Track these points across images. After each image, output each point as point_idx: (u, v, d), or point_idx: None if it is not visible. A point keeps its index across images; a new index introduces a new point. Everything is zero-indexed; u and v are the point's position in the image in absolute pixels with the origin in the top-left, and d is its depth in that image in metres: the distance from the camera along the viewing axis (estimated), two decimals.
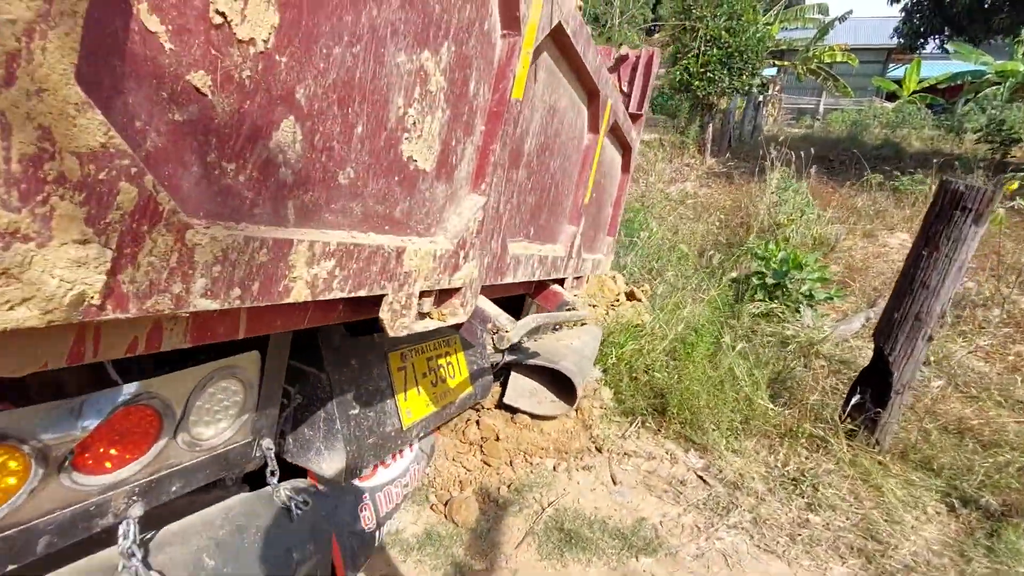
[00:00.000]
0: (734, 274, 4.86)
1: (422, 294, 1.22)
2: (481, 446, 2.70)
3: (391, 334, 1.12)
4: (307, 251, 0.80)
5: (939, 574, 2.29)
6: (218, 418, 1.12)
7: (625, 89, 3.39)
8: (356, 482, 2.10)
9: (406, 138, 1.06)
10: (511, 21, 1.30)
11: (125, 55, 0.54)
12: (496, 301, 2.34)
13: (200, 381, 1.03)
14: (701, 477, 2.71)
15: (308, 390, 1.63)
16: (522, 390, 2.89)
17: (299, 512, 1.31)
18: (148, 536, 1.04)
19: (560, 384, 2.94)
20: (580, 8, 2.14)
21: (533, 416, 2.87)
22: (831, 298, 4.63)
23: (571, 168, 2.24)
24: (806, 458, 2.78)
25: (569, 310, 2.41)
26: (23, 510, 0.80)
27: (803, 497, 2.56)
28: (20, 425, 0.75)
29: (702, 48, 9.83)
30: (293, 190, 0.81)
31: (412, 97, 1.04)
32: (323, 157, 0.85)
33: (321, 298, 0.86)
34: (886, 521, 2.49)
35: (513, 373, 2.96)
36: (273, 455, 1.32)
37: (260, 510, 1.26)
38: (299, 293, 0.81)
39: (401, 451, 2.37)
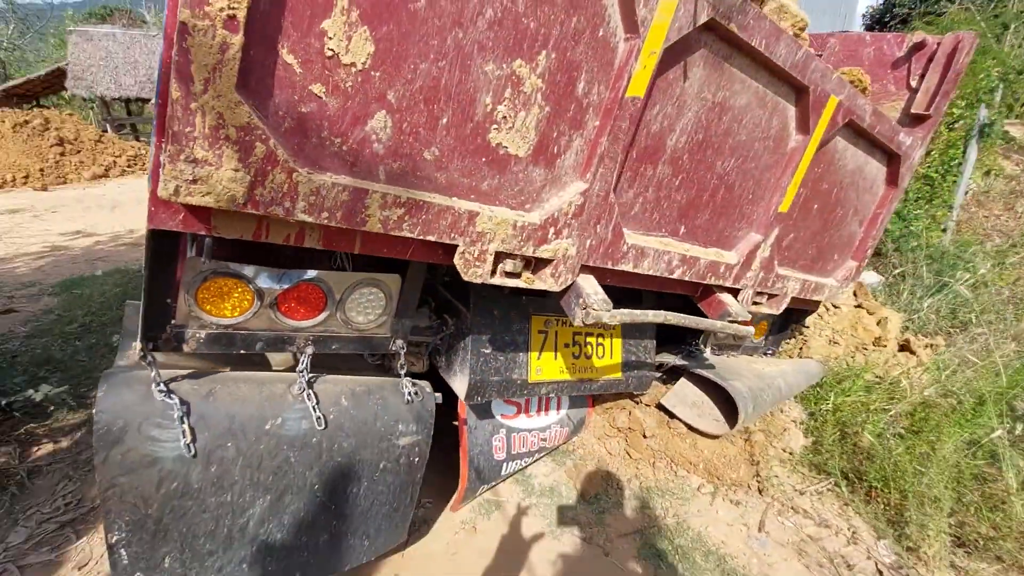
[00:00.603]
0: None
1: (503, 255, 1.51)
2: (627, 436, 2.77)
3: (464, 279, 1.46)
4: (380, 199, 1.21)
5: None
6: (366, 312, 1.68)
7: (914, 83, 2.74)
8: (498, 417, 2.53)
9: (495, 128, 1.35)
10: (631, 25, 1.42)
11: (274, 76, 1.03)
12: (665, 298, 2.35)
13: (353, 283, 1.60)
14: (881, 572, 2.14)
15: (459, 323, 2.12)
16: (685, 397, 2.79)
17: (410, 400, 1.80)
18: (316, 372, 1.68)
19: (732, 407, 2.71)
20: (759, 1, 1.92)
21: (690, 427, 2.75)
22: None
23: (757, 171, 2.07)
24: None
25: (732, 322, 2.24)
26: (251, 321, 1.50)
27: None
28: (250, 275, 1.42)
29: None
30: (384, 159, 1.23)
31: (502, 96, 1.33)
32: (410, 139, 1.24)
33: (393, 234, 1.27)
34: None
35: (683, 379, 2.88)
36: (403, 353, 1.84)
37: (387, 388, 1.80)
38: (373, 225, 1.23)
39: (547, 409, 2.69)
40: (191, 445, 1.43)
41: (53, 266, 5.73)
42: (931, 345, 3.85)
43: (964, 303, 4.30)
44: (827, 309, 3.78)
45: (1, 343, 3.70)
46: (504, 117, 1.35)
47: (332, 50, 1.07)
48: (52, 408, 2.99)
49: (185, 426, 1.42)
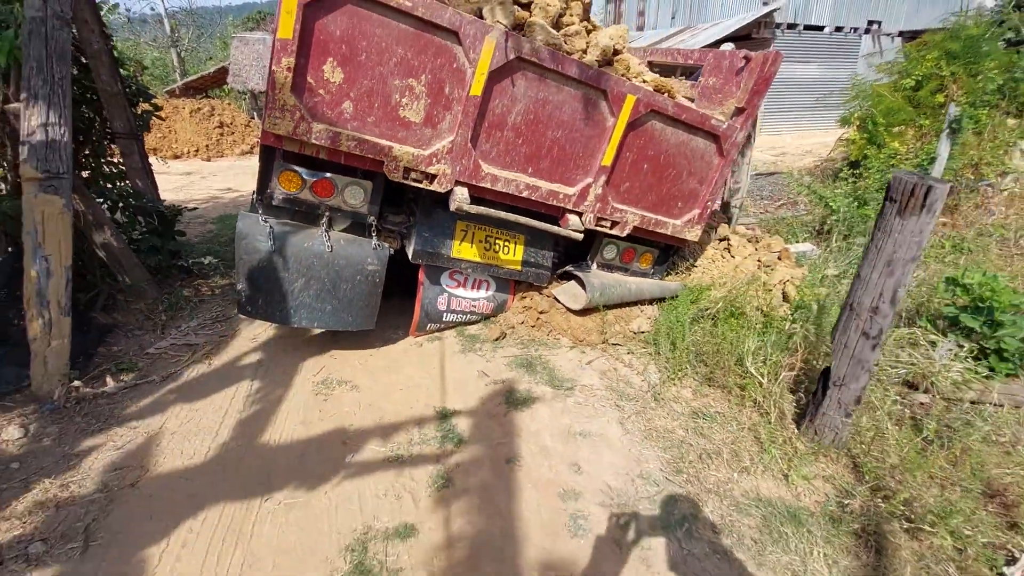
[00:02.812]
0: None
1: (409, 169, 3.19)
2: (528, 312, 4.33)
3: (389, 178, 3.16)
4: (347, 136, 2.95)
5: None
6: (354, 198, 3.43)
7: (743, 85, 3.97)
8: (445, 285, 4.21)
9: (402, 109, 3.03)
10: (470, 61, 3.01)
11: (304, 87, 2.81)
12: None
13: (346, 182, 3.35)
14: (643, 386, 3.54)
15: (413, 218, 3.83)
16: (569, 291, 4.28)
17: (375, 248, 3.54)
18: (332, 229, 3.48)
19: None
20: (554, 46, 3.33)
21: (567, 308, 4.24)
22: None
23: (583, 138, 3.52)
24: (732, 410, 3.14)
25: (572, 230, 3.70)
26: (300, 195, 3.32)
27: (695, 424, 3.10)
28: (300, 171, 3.22)
29: None
30: (350, 121, 2.97)
31: (404, 94, 3.00)
32: (361, 113, 2.97)
33: (354, 153, 3.00)
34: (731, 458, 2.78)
35: (572, 279, 4.36)
36: (375, 224, 3.57)
37: (364, 240, 3.55)
38: (344, 148, 2.97)
39: (478, 288, 4.32)
40: (273, 246, 3.30)
41: (212, 208, 8.34)
42: (817, 294, 4.87)
43: None
44: (722, 256, 4.96)
45: (187, 243, 6.07)
46: (407, 103, 3.03)
47: (327, 77, 2.82)
48: (212, 272, 5.19)
49: (271, 237, 3.29)
